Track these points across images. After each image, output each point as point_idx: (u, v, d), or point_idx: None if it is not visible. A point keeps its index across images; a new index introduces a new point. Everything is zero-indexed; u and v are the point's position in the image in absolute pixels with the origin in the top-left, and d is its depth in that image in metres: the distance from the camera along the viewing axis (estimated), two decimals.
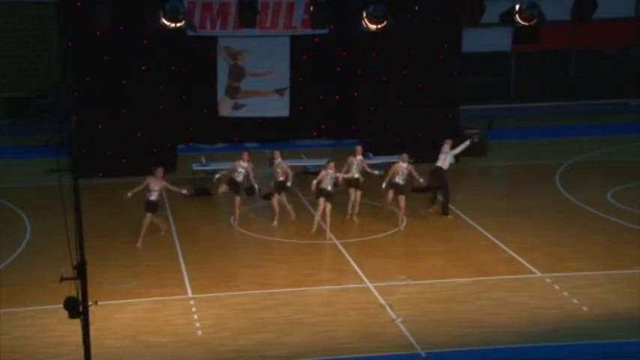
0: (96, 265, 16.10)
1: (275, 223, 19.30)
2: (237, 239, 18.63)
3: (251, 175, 19.02)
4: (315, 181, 18.47)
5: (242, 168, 18.97)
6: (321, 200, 18.41)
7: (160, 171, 18.37)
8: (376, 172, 19.80)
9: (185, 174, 22.82)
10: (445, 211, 19.90)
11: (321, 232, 18.63)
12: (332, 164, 18.68)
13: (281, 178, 19.08)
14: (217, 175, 19.30)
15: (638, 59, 33.60)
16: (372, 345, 13.61)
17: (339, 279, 16.36)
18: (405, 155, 19.28)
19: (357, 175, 19.39)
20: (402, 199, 18.89)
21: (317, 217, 18.57)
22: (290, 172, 19.16)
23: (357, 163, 19.51)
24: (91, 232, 16.65)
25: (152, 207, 18.18)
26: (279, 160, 19.18)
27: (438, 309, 14.99)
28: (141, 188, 18.08)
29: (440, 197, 20.06)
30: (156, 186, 18.19)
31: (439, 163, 19.88)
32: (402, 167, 19.05)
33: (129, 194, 17.92)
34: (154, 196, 18.15)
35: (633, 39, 32.99)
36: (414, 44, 23.88)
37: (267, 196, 19.61)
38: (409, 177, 19.21)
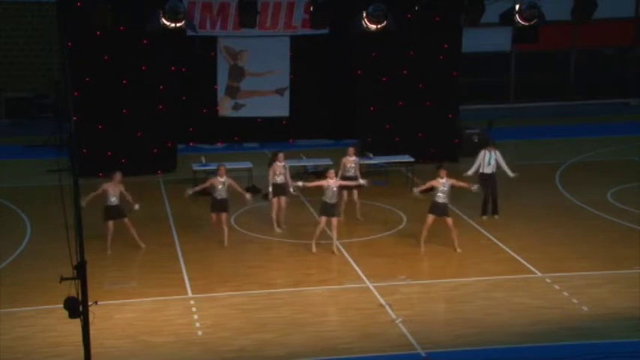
0: (96, 265, 16.20)
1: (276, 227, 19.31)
2: (237, 239, 18.61)
3: (237, 187, 18.28)
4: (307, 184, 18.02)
5: (221, 184, 18.05)
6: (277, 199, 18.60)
7: (118, 176, 17.53)
8: (362, 182, 19.42)
9: (185, 174, 22.83)
10: (495, 210, 19.83)
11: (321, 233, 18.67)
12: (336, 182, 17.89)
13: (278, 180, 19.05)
14: (190, 192, 18.37)
15: (638, 59, 33.61)
16: (372, 345, 13.61)
17: (339, 279, 16.37)
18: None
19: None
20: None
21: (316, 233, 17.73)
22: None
23: (351, 165, 19.57)
24: (91, 232, 16.69)
25: (114, 213, 17.47)
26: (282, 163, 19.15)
27: (437, 309, 15.00)
28: (95, 194, 17.36)
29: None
30: (114, 191, 17.45)
31: (486, 170, 19.68)
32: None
33: (83, 204, 16.45)
34: (114, 201, 17.45)
35: (633, 39, 32.99)
36: (414, 44, 23.88)
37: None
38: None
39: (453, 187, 17.76)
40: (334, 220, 17.57)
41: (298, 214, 20.20)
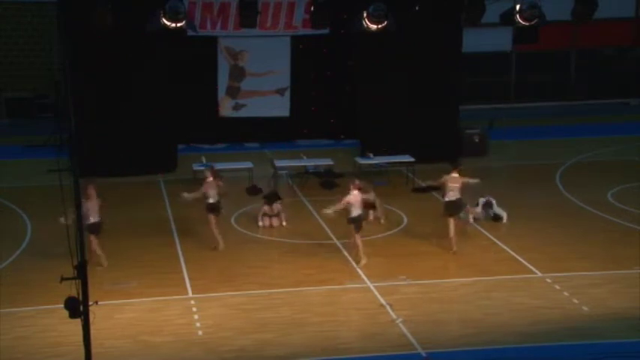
0: (97, 265, 16.21)
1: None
2: (237, 239, 18.62)
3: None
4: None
5: (213, 189, 17.76)
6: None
7: (91, 188, 16.43)
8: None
9: (185, 174, 22.83)
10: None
11: (320, 232, 18.67)
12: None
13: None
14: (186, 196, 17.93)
15: (638, 59, 33.62)
16: (372, 345, 13.61)
17: (339, 279, 16.36)
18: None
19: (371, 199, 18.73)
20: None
21: None
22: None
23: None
24: None
25: (95, 229, 16.59)
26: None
27: (438, 309, 14.99)
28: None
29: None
30: (92, 206, 16.35)
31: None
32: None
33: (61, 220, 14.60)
34: (93, 218, 16.49)
35: (633, 39, 33.00)
36: (414, 44, 23.86)
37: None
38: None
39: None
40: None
41: (298, 214, 20.21)
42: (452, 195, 17.56)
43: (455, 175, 17.59)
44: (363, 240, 17.22)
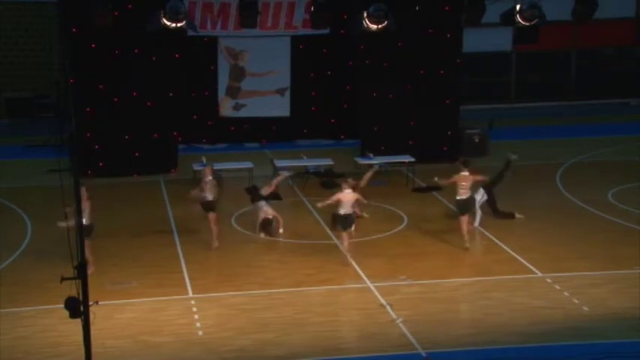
0: (96, 265, 16.20)
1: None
2: (237, 239, 18.63)
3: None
4: None
5: (209, 184, 17.77)
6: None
7: (82, 190, 15.29)
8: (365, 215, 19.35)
9: (185, 174, 22.83)
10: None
11: (320, 232, 18.68)
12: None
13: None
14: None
15: (638, 59, 33.61)
16: (372, 345, 13.61)
17: (339, 279, 16.36)
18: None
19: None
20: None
21: None
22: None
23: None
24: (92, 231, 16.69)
25: (86, 232, 15.53)
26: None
27: (438, 309, 14.99)
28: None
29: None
30: (83, 208, 15.46)
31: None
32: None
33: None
34: (85, 221, 15.47)
35: (633, 39, 33.00)
36: (414, 44, 23.87)
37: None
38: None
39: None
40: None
41: (298, 213, 20.21)
42: (463, 193, 17.67)
43: (465, 173, 17.65)
44: (362, 240, 17.20)
